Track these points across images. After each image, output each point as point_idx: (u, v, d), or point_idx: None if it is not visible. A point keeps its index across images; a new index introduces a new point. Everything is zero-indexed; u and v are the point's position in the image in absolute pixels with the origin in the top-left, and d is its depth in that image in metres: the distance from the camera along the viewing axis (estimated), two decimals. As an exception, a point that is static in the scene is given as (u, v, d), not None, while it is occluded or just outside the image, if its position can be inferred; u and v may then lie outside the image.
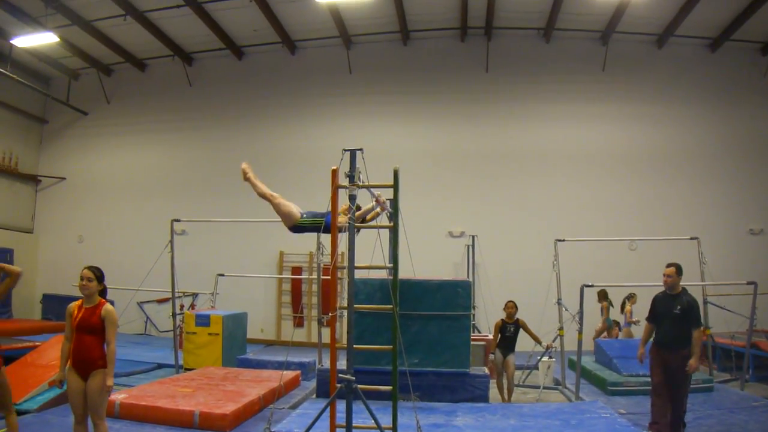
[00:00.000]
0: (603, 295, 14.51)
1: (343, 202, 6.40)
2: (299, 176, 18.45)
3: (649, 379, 10.96)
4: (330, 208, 6.39)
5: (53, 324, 16.41)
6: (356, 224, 6.47)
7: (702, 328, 7.33)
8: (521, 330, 10.91)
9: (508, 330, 10.75)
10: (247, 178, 7.77)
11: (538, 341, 11.24)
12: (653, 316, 7.81)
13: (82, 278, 6.15)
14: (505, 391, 10.59)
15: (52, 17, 16.41)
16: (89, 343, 5.99)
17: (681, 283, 7.63)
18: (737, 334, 13.43)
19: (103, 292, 6.30)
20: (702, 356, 13.82)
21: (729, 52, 17.99)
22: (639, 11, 16.42)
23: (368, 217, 7.45)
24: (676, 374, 7.30)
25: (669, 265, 7.71)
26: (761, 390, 11.42)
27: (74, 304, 6.19)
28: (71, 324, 6.10)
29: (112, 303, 6.31)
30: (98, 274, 6.22)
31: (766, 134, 17.67)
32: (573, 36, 18.28)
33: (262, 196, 7.62)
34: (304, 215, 7.22)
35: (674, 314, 7.43)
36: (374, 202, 7.29)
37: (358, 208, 6.73)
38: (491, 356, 10.90)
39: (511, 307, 10.89)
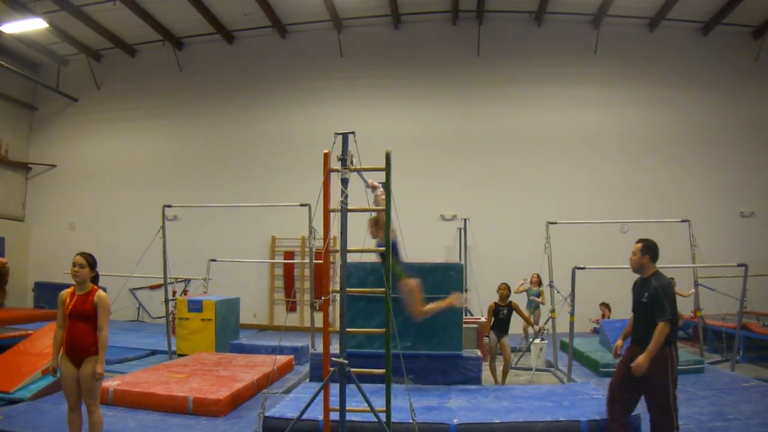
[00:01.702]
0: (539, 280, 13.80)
1: (336, 186, 6.37)
2: (291, 160, 18.53)
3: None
4: (322, 193, 6.37)
5: (46, 312, 16.37)
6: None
7: (669, 319, 5.92)
8: (514, 312, 10.94)
9: (502, 312, 10.76)
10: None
11: (530, 324, 11.29)
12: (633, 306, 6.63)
13: (74, 264, 6.12)
14: (499, 373, 10.63)
15: (40, 3, 16.34)
16: (82, 329, 5.96)
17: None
18: (728, 316, 13.54)
19: (95, 279, 6.28)
20: (694, 338, 14.02)
21: (721, 36, 18.01)
22: (631, -6, 16.43)
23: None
24: (649, 380, 6.02)
25: (637, 241, 6.57)
26: (752, 371, 11.51)
27: (66, 292, 6.15)
28: (64, 311, 6.05)
29: (104, 290, 6.30)
30: (90, 261, 6.18)
31: (758, 117, 17.77)
32: (564, 19, 18.26)
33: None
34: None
35: (642, 303, 6.30)
36: (371, 189, 7.30)
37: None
38: (485, 339, 10.91)
39: (504, 289, 10.89)
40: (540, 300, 13.57)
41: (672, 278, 9.23)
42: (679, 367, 10.24)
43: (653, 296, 6.12)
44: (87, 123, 21.09)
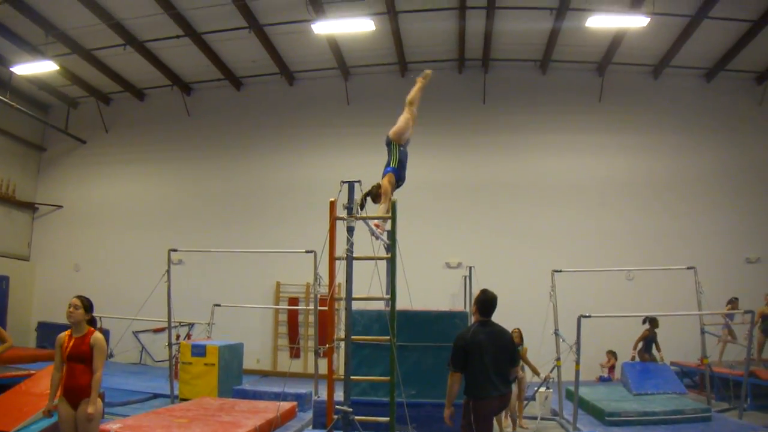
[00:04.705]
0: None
1: (342, 234, 6.41)
2: (296, 207, 18.56)
3: (652, 408, 11.02)
4: (328, 240, 6.41)
5: (48, 352, 16.27)
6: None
7: (451, 371, 6.32)
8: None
9: None
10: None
11: (536, 372, 11.22)
12: None
13: (69, 305, 6.19)
14: (504, 420, 10.54)
15: (51, 46, 16.56)
16: (80, 371, 6.02)
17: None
18: (735, 363, 13.43)
19: (93, 323, 6.32)
20: (701, 386, 13.89)
21: (724, 82, 18.17)
22: (635, 42, 16.62)
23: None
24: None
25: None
26: (760, 419, 11.38)
27: (64, 334, 6.22)
28: (61, 354, 6.12)
29: (107, 332, 6.34)
30: (86, 303, 6.24)
31: (762, 162, 17.79)
32: (569, 67, 18.45)
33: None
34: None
35: None
36: (373, 235, 7.35)
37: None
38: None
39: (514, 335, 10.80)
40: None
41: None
42: (685, 416, 10.18)
43: None
44: (94, 165, 21.22)
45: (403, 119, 8.32)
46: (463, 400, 6.15)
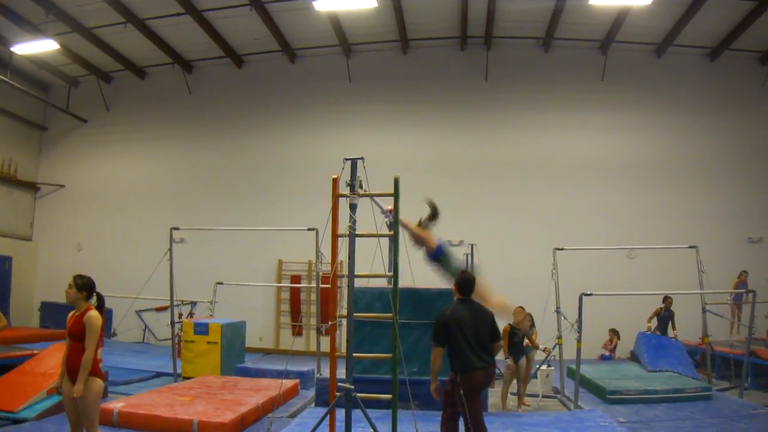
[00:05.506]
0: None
1: (344, 211, 6.40)
2: (299, 185, 18.51)
3: (654, 386, 11.08)
4: (331, 218, 6.39)
5: (51, 332, 16.33)
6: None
7: (433, 345, 6.51)
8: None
9: (517, 336, 10.71)
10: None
11: (536, 347, 11.25)
12: None
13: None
14: (511, 398, 10.61)
15: (52, 24, 16.47)
16: (77, 349, 5.97)
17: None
18: (736, 342, 13.45)
19: (100, 301, 6.30)
20: (701, 365, 13.95)
21: (728, 62, 18.05)
22: (638, 20, 16.48)
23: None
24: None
25: None
26: (760, 398, 11.41)
27: (71, 313, 6.20)
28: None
29: (109, 311, 6.32)
30: (78, 283, 6.16)
31: (766, 142, 17.70)
32: (572, 45, 18.32)
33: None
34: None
35: None
36: (385, 218, 7.37)
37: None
38: (507, 361, 10.70)
39: (519, 313, 10.79)
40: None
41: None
42: (686, 394, 10.26)
43: None
44: (96, 144, 21.18)
45: (493, 298, 8.83)
46: (449, 375, 6.29)
